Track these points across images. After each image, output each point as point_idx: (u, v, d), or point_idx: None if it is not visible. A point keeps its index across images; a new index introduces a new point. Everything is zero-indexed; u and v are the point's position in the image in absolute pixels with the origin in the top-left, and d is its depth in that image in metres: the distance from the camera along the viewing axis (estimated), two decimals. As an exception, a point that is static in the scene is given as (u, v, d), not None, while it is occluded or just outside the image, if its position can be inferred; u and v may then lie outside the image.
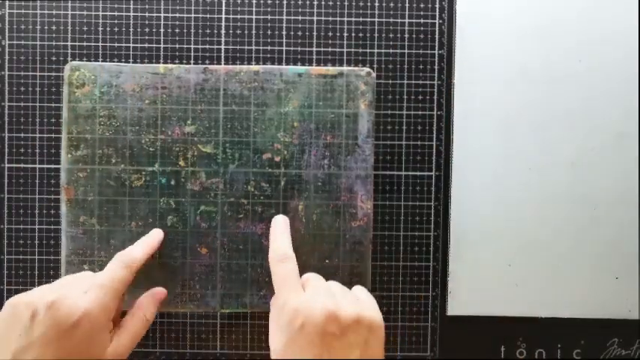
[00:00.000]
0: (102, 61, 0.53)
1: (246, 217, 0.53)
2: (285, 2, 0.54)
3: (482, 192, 0.53)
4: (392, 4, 0.54)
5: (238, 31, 0.54)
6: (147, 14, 0.54)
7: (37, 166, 0.54)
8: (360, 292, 0.45)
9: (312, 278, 0.46)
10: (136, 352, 0.54)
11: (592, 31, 0.52)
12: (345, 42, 0.54)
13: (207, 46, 0.54)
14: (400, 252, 0.55)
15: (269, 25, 0.54)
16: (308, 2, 0.54)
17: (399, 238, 0.55)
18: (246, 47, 0.54)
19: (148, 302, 0.49)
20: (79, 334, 0.40)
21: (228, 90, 0.53)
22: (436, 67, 0.54)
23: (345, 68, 0.53)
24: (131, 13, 0.54)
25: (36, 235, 0.54)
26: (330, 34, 0.54)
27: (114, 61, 0.53)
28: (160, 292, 0.51)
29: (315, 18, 0.54)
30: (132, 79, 0.53)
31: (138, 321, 0.47)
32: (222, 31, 0.54)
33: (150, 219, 0.53)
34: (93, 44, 0.54)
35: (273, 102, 0.53)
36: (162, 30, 0.54)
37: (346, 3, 0.54)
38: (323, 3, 0.54)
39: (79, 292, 0.43)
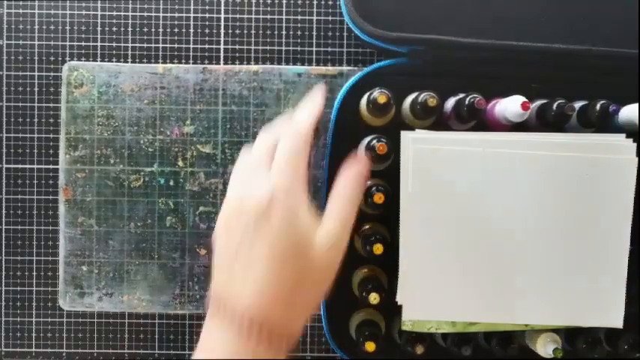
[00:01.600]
0: (100, 61, 0.53)
1: (245, 218, 0.53)
2: (284, 2, 0.54)
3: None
4: (392, 4, 0.54)
5: (237, 31, 0.54)
6: (145, 14, 0.53)
7: (35, 166, 0.53)
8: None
9: None
10: (135, 353, 0.54)
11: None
12: (345, 42, 0.54)
13: (207, 46, 0.54)
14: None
15: (268, 25, 0.54)
16: (308, 2, 0.54)
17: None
18: (245, 47, 0.54)
19: (345, 180, 0.40)
20: (277, 213, 0.35)
21: (227, 90, 0.52)
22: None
23: (344, 68, 0.53)
24: (130, 13, 0.53)
25: (34, 235, 0.54)
26: (330, 34, 0.54)
27: (112, 61, 0.53)
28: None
29: (314, 18, 0.54)
30: (130, 79, 0.52)
31: (339, 199, 0.39)
32: (222, 31, 0.54)
33: (149, 219, 0.53)
34: (91, 44, 0.53)
35: (272, 102, 0.52)
36: (160, 30, 0.53)
37: (346, 3, 0.54)
38: (323, 3, 0.54)
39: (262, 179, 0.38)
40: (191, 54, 0.54)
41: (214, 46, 0.54)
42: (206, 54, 0.54)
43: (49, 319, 0.54)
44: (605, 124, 0.44)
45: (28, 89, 0.53)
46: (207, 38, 0.54)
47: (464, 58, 0.48)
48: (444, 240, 0.43)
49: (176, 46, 0.54)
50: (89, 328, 0.54)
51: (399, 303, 0.43)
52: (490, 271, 0.43)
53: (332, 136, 0.48)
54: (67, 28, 0.53)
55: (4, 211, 0.53)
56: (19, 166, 0.53)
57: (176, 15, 0.53)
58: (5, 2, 0.53)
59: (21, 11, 0.53)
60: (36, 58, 0.53)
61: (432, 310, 0.43)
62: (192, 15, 0.54)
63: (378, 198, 0.42)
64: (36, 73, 0.53)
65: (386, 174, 0.45)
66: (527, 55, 0.48)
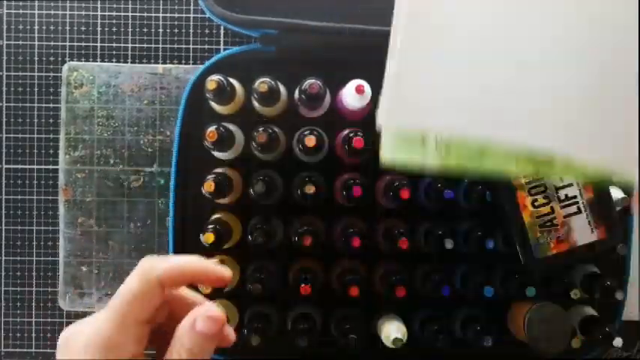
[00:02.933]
0: (100, 62, 0.53)
1: (245, 218, 0.53)
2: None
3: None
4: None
5: (237, 31, 0.54)
6: (145, 14, 0.53)
7: (35, 166, 0.53)
8: None
9: None
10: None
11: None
12: (344, 42, 0.54)
13: (206, 47, 0.54)
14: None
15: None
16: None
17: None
18: (245, 47, 0.54)
19: (189, 336, 0.27)
20: None
21: (227, 90, 0.52)
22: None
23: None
24: (130, 14, 0.53)
25: (34, 236, 0.54)
26: (330, 34, 0.54)
27: (112, 62, 0.53)
28: (214, 321, 0.27)
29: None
30: (130, 79, 0.52)
31: None
32: (222, 31, 0.54)
33: (148, 220, 0.53)
34: (91, 44, 0.53)
35: (272, 102, 0.52)
36: (160, 30, 0.53)
37: (346, 3, 0.54)
38: (322, 3, 0.54)
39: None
40: (191, 54, 0.54)
41: (214, 47, 0.54)
42: (206, 54, 0.53)
43: (49, 319, 0.54)
44: None
45: (28, 89, 0.53)
46: (207, 38, 0.54)
47: (319, 44, 0.46)
48: (449, 59, 0.33)
49: (176, 46, 0.53)
50: (89, 328, 0.54)
51: (378, 117, 0.35)
52: (497, 91, 0.34)
53: (180, 125, 0.47)
54: (67, 28, 0.53)
55: (4, 212, 0.53)
56: (19, 166, 0.53)
57: (176, 15, 0.53)
58: (5, 2, 0.53)
59: (21, 11, 0.53)
60: (36, 58, 0.53)
61: (420, 117, 0.34)
62: (192, 15, 0.54)
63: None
64: (36, 73, 0.53)
65: None
66: (383, 39, 0.45)
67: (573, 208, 0.42)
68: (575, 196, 0.41)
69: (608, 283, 0.45)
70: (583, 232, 0.42)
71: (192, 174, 0.47)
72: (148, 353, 0.29)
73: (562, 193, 0.41)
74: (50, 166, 0.53)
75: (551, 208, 0.41)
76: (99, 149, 0.52)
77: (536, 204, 0.41)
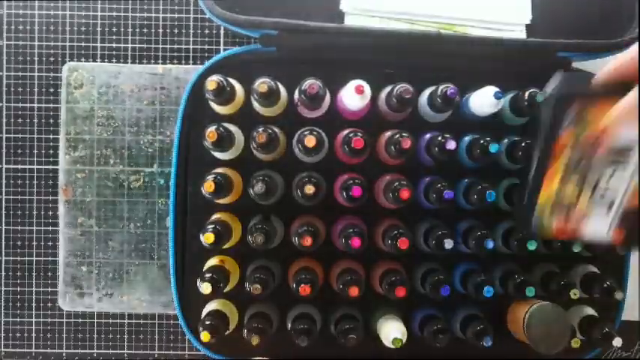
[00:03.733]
0: (100, 62, 0.53)
1: (245, 218, 0.53)
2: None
3: None
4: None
5: (237, 32, 0.54)
6: (145, 14, 0.53)
7: (35, 166, 0.53)
8: None
9: None
10: (135, 353, 0.54)
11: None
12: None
13: (206, 47, 0.54)
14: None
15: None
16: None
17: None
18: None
19: None
20: None
21: (227, 90, 0.52)
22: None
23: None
24: (129, 14, 0.53)
25: (34, 236, 0.54)
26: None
27: (112, 62, 0.53)
28: None
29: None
30: (130, 79, 0.52)
31: None
32: (222, 31, 0.54)
33: (148, 220, 0.53)
34: (91, 45, 0.53)
35: (272, 102, 0.52)
36: (160, 30, 0.53)
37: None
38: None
39: None
40: (191, 54, 0.54)
41: (214, 47, 0.54)
42: (206, 54, 0.54)
43: (49, 320, 0.54)
44: (451, 108, 0.43)
45: (28, 89, 0.53)
46: (207, 38, 0.54)
47: (319, 44, 0.46)
48: None
49: (176, 46, 0.54)
50: (89, 328, 0.54)
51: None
52: None
53: (180, 125, 0.47)
54: (67, 28, 0.53)
55: (4, 211, 0.53)
56: (19, 166, 0.53)
57: (176, 15, 0.53)
58: (5, 2, 0.53)
59: (21, 11, 0.53)
60: (36, 58, 0.53)
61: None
62: (192, 15, 0.54)
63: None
64: (36, 74, 0.53)
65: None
66: (384, 39, 0.46)
67: (605, 202, 0.38)
68: (614, 199, 0.38)
69: (608, 283, 0.46)
70: (598, 229, 0.39)
71: (192, 174, 0.47)
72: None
73: (602, 185, 0.38)
74: (50, 166, 0.53)
75: (579, 192, 0.38)
76: (99, 149, 0.52)
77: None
